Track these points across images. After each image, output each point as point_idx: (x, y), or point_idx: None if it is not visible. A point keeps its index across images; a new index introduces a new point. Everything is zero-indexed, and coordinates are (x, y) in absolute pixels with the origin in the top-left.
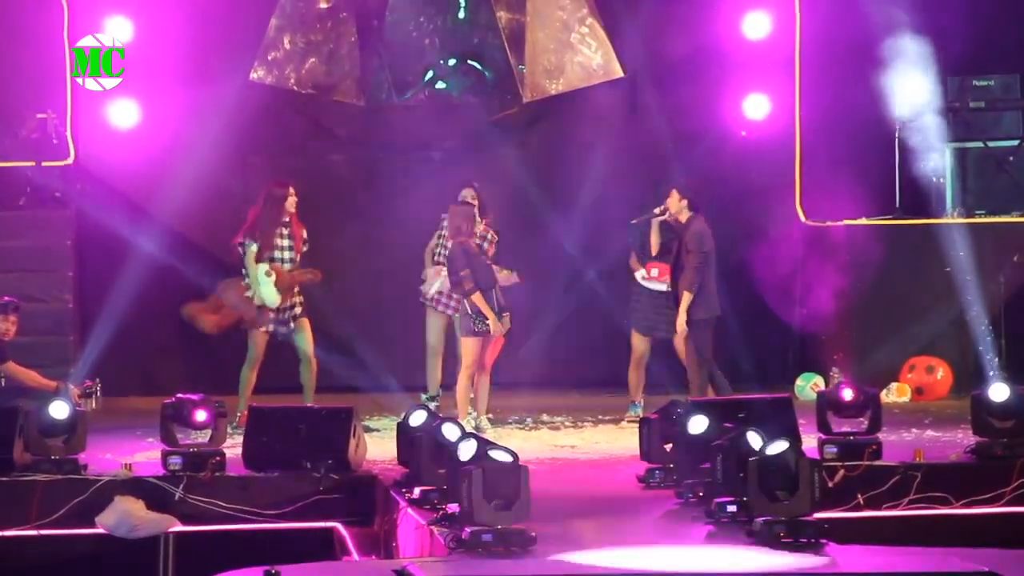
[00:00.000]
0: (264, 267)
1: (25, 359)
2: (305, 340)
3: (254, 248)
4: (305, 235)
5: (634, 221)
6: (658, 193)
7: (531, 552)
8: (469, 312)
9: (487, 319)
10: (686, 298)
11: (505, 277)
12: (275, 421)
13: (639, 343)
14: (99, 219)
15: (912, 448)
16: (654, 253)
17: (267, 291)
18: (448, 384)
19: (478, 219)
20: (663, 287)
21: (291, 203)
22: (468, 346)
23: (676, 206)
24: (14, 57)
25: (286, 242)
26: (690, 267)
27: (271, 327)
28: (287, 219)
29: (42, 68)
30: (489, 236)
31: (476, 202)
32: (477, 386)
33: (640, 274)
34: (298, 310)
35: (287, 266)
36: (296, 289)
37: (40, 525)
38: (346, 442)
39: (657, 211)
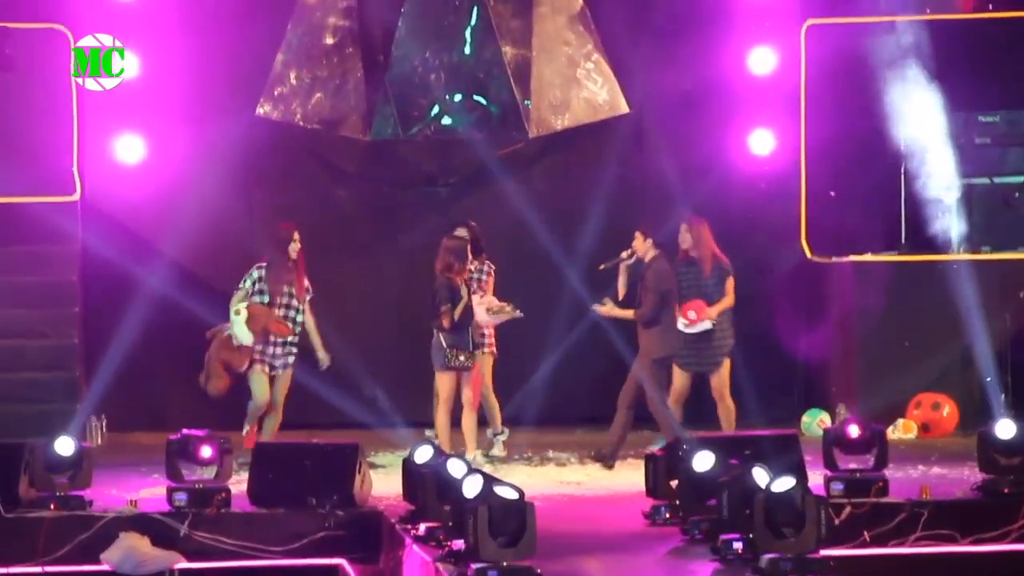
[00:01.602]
0: (239, 306)
1: (31, 394)
2: (280, 391)
3: (242, 286)
4: (307, 284)
5: (602, 267)
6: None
7: None
8: (443, 346)
9: (460, 354)
10: (643, 332)
11: (506, 312)
12: (281, 457)
13: (679, 379)
14: (105, 254)
15: (919, 485)
16: (620, 297)
17: (239, 330)
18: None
19: (470, 257)
20: (708, 325)
21: (293, 248)
22: (443, 380)
23: (642, 247)
24: (21, 93)
25: (287, 288)
26: (646, 305)
27: (267, 367)
28: (290, 263)
29: (49, 104)
30: (485, 268)
31: (468, 239)
32: (464, 423)
33: (682, 323)
34: (290, 359)
35: (281, 311)
36: (289, 338)
37: (45, 562)
38: (352, 478)
39: (625, 255)
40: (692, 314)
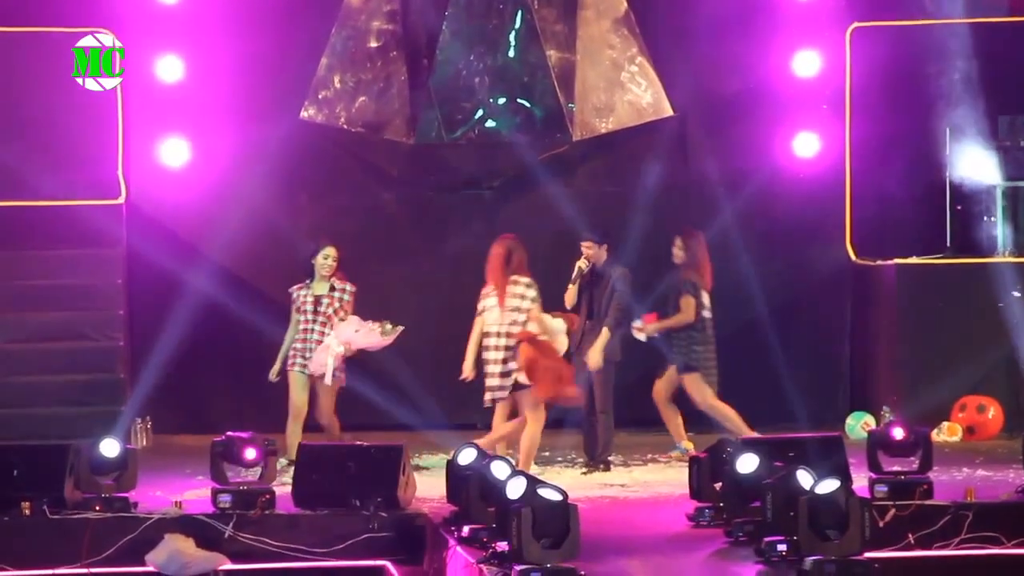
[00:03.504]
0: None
1: (76, 397)
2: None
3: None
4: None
5: (573, 285)
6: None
7: None
8: None
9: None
10: (604, 335)
11: (387, 331)
12: (325, 459)
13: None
14: (150, 258)
15: (963, 488)
16: (569, 306)
17: (552, 324)
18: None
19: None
20: (643, 337)
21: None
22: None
23: (597, 253)
24: (67, 97)
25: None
26: (615, 307)
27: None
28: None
29: (95, 107)
30: (348, 287)
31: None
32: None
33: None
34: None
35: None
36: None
37: (90, 563)
38: (396, 480)
39: (583, 265)
40: (639, 322)
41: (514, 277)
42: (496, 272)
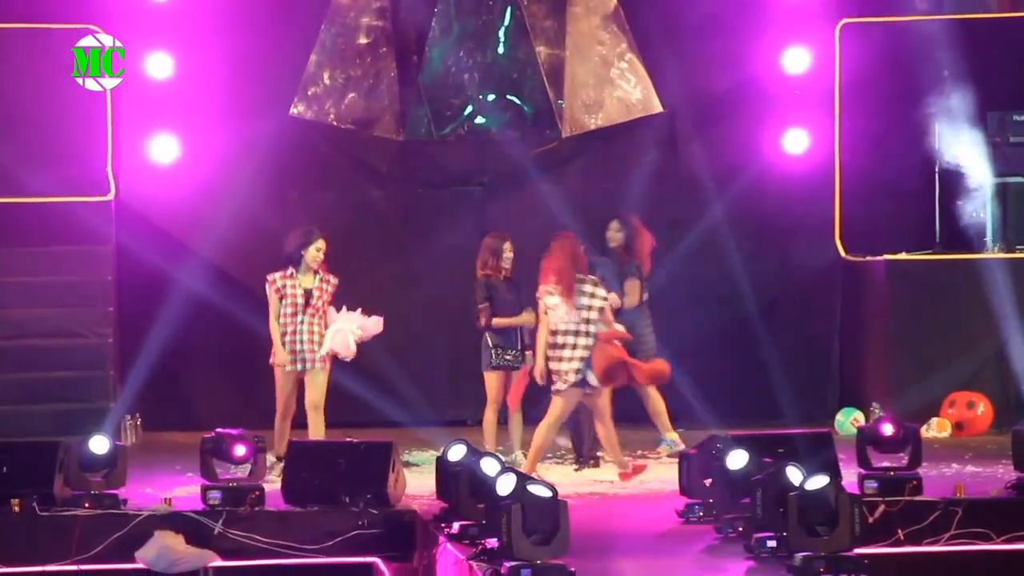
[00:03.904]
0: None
1: (65, 394)
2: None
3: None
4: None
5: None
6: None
7: None
8: (489, 345)
9: (507, 353)
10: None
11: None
12: (314, 456)
13: None
14: (139, 254)
15: (953, 484)
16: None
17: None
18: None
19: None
20: None
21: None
22: (490, 380)
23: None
24: (56, 93)
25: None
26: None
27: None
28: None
29: (84, 104)
30: (331, 279)
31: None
32: (510, 422)
33: None
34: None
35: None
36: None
37: (80, 560)
38: (385, 477)
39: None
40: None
41: (580, 275)
42: (565, 270)
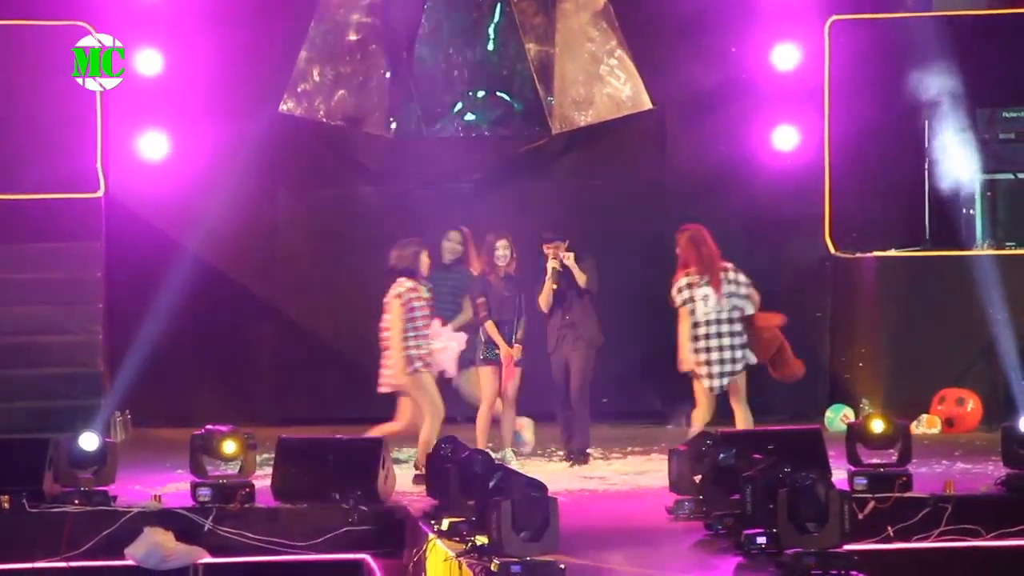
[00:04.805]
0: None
1: (55, 390)
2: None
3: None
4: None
5: (555, 285)
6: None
7: None
8: (481, 340)
9: (496, 348)
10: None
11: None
12: (304, 452)
13: None
14: (129, 251)
15: (942, 480)
16: (545, 308)
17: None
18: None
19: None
20: None
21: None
22: (483, 376)
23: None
24: (45, 90)
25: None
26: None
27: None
28: None
29: (73, 100)
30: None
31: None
32: (501, 418)
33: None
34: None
35: None
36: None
37: (69, 557)
38: (375, 473)
39: (556, 265)
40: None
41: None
42: (711, 260)
